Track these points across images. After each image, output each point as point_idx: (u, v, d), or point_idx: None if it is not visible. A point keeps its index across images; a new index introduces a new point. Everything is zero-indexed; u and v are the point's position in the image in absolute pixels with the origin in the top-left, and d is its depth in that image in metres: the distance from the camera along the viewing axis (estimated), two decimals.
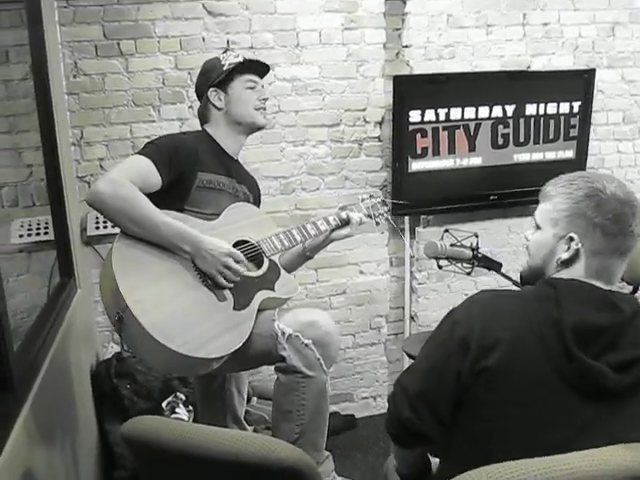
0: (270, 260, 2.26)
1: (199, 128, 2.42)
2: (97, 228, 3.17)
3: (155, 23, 3.15)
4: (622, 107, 3.97)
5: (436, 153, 3.49)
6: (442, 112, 3.45)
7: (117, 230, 3.06)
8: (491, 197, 3.65)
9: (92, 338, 3.18)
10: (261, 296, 2.17)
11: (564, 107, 3.67)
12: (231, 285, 2.07)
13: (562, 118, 3.68)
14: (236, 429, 2.48)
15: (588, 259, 1.43)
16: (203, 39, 3.21)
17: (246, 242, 2.22)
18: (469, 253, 2.27)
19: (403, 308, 3.80)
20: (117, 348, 3.21)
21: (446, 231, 2.38)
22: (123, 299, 1.82)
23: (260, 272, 2.21)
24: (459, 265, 2.31)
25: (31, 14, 2.59)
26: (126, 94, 3.17)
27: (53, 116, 2.71)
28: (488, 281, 3.78)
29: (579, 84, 3.69)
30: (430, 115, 3.43)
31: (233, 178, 2.34)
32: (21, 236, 2.90)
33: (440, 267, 2.34)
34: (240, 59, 2.32)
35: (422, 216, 3.62)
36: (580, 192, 1.44)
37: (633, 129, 4.02)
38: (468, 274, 2.29)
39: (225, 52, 2.38)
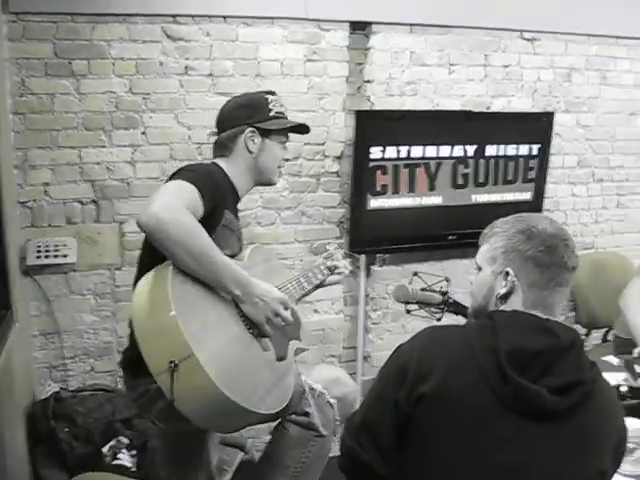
0: (292, 308, 2.10)
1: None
2: (38, 257, 2.97)
3: (111, 44, 3.00)
4: (577, 151, 4.02)
5: (395, 191, 3.43)
6: (403, 149, 3.39)
7: (62, 260, 3.00)
8: (450, 237, 3.60)
9: (28, 375, 2.96)
10: (293, 346, 2.06)
11: (523, 149, 3.68)
12: (273, 334, 1.92)
13: (521, 160, 3.69)
14: None
15: (525, 292, 1.47)
16: (161, 63, 3.08)
17: None
18: (439, 298, 2.17)
19: (356, 348, 3.68)
20: (55, 387, 3.01)
21: (415, 274, 2.28)
22: (188, 346, 1.61)
23: (291, 318, 2.04)
24: (428, 310, 2.21)
25: None
26: (76, 116, 3.00)
27: None
28: (444, 322, 3.71)
29: (538, 127, 3.72)
30: (391, 152, 3.37)
31: (238, 220, 2.18)
32: None
33: (408, 312, 2.23)
34: (284, 112, 2.21)
35: (378, 255, 3.54)
36: (513, 229, 1.50)
37: (587, 173, 4.07)
38: (438, 320, 2.19)
39: (271, 94, 2.24)
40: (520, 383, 1.33)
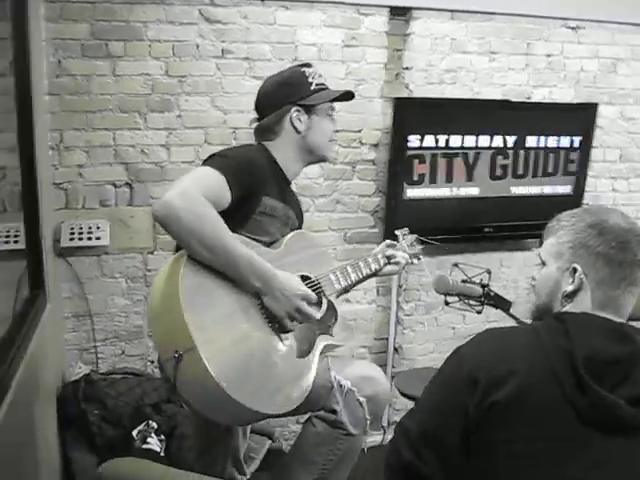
0: (328, 300, 2.05)
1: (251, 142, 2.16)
2: (72, 239, 2.97)
3: (147, 26, 2.96)
4: (620, 145, 3.90)
5: (433, 181, 3.37)
6: (442, 139, 3.33)
7: (95, 243, 2.99)
8: (485, 229, 3.52)
9: (59, 357, 2.96)
10: (322, 342, 1.98)
11: (565, 141, 3.59)
12: (295, 330, 1.87)
13: (562, 152, 3.60)
14: (235, 474, 2.24)
15: (593, 290, 1.39)
16: (197, 46, 3.04)
17: (307, 278, 1.98)
18: (479, 290, 2.12)
19: (387, 339, 3.63)
20: (86, 369, 3.00)
21: (455, 265, 2.23)
22: (191, 338, 1.58)
23: (320, 314, 1.97)
24: (467, 302, 2.15)
25: (16, 6, 2.41)
26: (111, 98, 2.98)
27: (33, 117, 2.51)
28: (476, 316, 3.63)
29: (581, 118, 3.62)
30: (429, 141, 3.31)
31: (287, 205, 2.08)
32: None
33: (447, 303, 2.18)
34: (324, 82, 2.13)
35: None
36: (582, 223, 1.42)
37: (629, 168, 3.95)
38: (478, 313, 2.14)
39: (307, 67, 2.16)
40: (600, 394, 1.25)
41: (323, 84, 2.12)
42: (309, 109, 2.07)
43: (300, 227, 2.21)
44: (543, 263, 1.51)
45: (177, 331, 1.60)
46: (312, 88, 2.08)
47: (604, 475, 1.25)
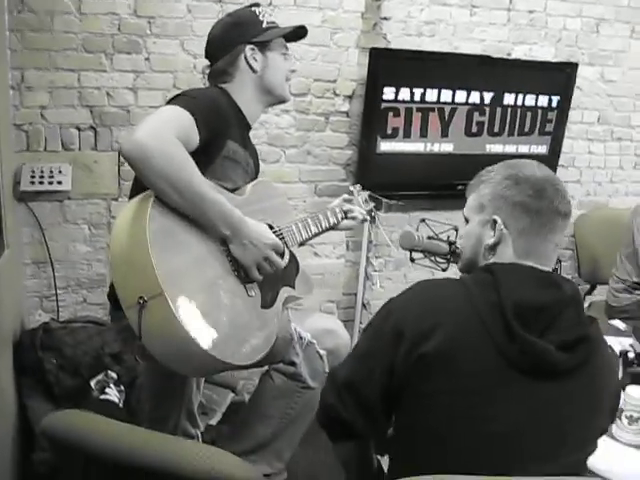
0: (290, 252, 2.00)
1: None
2: (32, 183, 2.86)
3: None
4: (598, 107, 3.85)
5: (407, 135, 3.30)
6: (418, 92, 3.25)
7: (57, 187, 2.89)
8: (459, 187, 3.46)
9: (18, 304, 2.88)
10: (284, 293, 1.94)
11: (542, 100, 3.52)
12: (261, 279, 1.81)
13: (539, 111, 3.54)
14: (189, 427, 2.20)
15: (515, 241, 1.40)
16: None
17: (270, 228, 1.92)
18: (446, 247, 2.06)
19: (356, 295, 3.60)
20: (45, 317, 2.94)
21: (422, 221, 2.17)
22: (158, 284, 1.50)
23: (283, 264, 1.91)
24: (434, 259, 2.11)
25: None
26: (76, 37, 2.85)
27: None
28: (446, 274, 3.63)
29: (560, 78, 3.55)
30: (405, 94, 3.22)
31: (247, 150, 2.02)
32: None
33: (413, 260, 2.13)
34: (274, 20, 2.06)
35: (384, 200, 3.43)
36: (499, 175, 1.44)
37: (606, 130, 3.90)
38: (444, 270, 2.09)
39: (257, 6, 2.08)
40: (528, 339, 1.26)
41: (274, 22, 2.07)
42: (263, 47, 2.02)
43: (256, 177, 2.15)
44: (466, 220, 1.52)
45: (143, 275, 1.53)
46: (264, 26, 2.03)
47: (536, 419, 1.28)
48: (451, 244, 2.10)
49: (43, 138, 2.90)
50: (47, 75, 2.85)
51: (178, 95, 1.84)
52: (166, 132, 1.59)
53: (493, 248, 1.43)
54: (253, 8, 2.06)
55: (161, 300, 1.50)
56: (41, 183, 2.87)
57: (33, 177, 2.87)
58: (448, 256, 2.09)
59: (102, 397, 2.64)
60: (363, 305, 3.61)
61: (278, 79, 2.05)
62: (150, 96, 2.99)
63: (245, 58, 2.00)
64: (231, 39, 2.01)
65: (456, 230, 2.13)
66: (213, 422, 2.94)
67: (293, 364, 1.97)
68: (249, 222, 1.75)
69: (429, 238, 2.08)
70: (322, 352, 1.99)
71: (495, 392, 1.27)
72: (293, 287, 2.01)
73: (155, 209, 1.60)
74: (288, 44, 2.12)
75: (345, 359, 1.50)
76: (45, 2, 2.78)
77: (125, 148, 1.57)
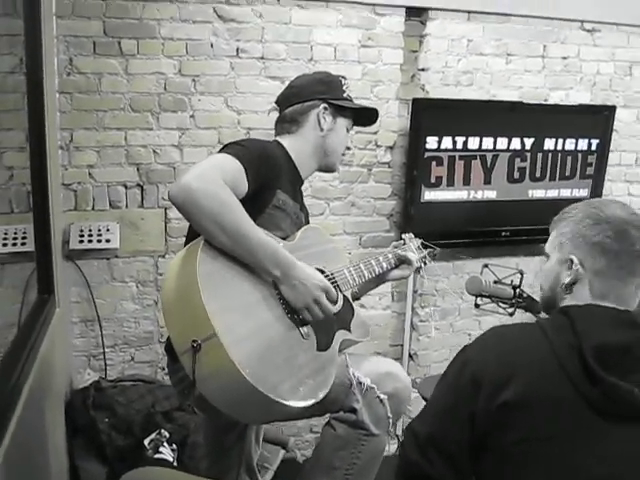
0: (344, 296, 1.98)
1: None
2: (81, 242, 2.88)
3: (161, 23, 2.90)
4: (636, 148, 3.85)
5: (450, 183, 3.31)
6: (460, 140, 3.27)
7: (104, 245, 2.91)
8: (503, 233, 3.46)
9: (68, 363, 2.87)
10: (340, 336, 1.91)
11: (582, 144, 3.54)
12: (314, 321, 1.78)
13: (579, 155, 3.55)
14: None
15: (591, 281, 1.38)
16: (211, 45, 2.97)
17: (321, 272, 1.90)
18: (511, 292, 2.05)
19: (402, 346, 3.56)
20: (94, 376, 2.91)
21: (485, 266, 2.16)
22: (211, 325, 1.48)
23: (337, 308, 1.90)
24: (500, 304, 2.08)
25: (28, 3, 2.34)
26: (123, 97, 2.90)
27: (44, 116, 2.44)
28: (493, 321, 3.57)
29: (599, 121, 3.56)
30: (447, 143, 3.25)
31: (297, 203, 2.03)
32: None
33: (477, 306, 2.12)
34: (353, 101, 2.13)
35: (429, 249, 3.41)
36: (581, 214, 1.41)
37: None
38: (511, 315, 2.07)
39: (343, 78, 2.14)
40: (611, 382, 1.22)
41: (351, 97, 2.12)
42: (336, 111, 2.06)
43: None
44: (547, 256, 1.49)
45: (195, 318, 1.51)
46: (344, 95, 2.08)
47: (622, 463, 1.22)
48: (515, 288, 2.08)
49: (91, 197, 2.93)
50: (95, 135, 2.90)
51: (230, 143, 1.85)
52: (212, 175, 1.61)
53: (569, 287, 1.40)
54: (340, 78, 2.13)
55: (215, 342, 1.48)
56: (89, 241, 2.89)
57: (82, 236, 2.89)
58: (513, 300, 2.07)
59: (156, 456, 2.59)
60: (410, 356, 3.56)
61: (337, 146, 2.09)
62: (195, 153, 3.02)
63: (317, 114, 2.03)
64: (312, 91, 2.05)
65: (521, 274, 2.11)
66: (265, 479, 2.88)
67: (354, 411, 1.90)
68: (299, 264, 1.74)
69: (495, 283, 2.06)
70: (383, 396, 1.92)
71: (579, 436, 1.24)
72: (349, 330, 1.98)
73: (205, 252, 1.60)
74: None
75: (423, 412, 1.46)
76: (93, 64, 2.85)
77: (172, 192, 1.58)
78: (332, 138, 2.06)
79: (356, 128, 3.01)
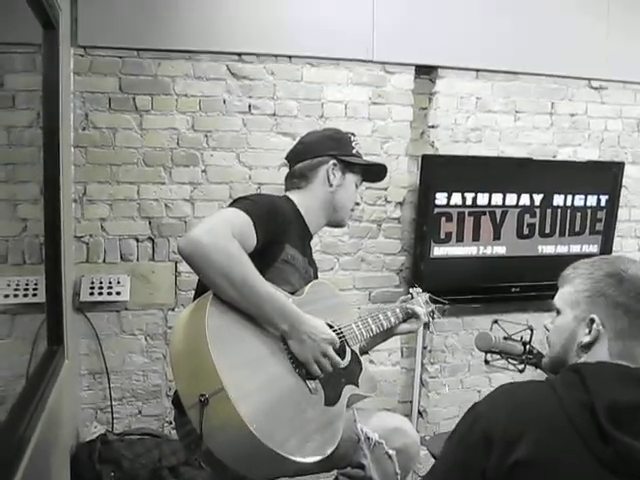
0: (352, 351, 1.97)
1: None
2: (91, 294, 2.90)
3: (175, 80, 2.97)
4: None
5: (460, 239, 3.32)
6: (469, 196, 3.29)
7: (115, 298, 2.92)
8: (513, 289, 3.45)
9: (74, 416, 2.85)
10: (348, 391, 1.89)
11: (591, 200, 3.55)
12: (322, 375, 1.78)
13: (589, 211, 3.56)
14: None
15: (611, 341, 1.34)
16: (224, 101, 3.04)
17: (330, 327, 1.89)
18: (521, 348, 2.04)
19: (411, 402, 3.52)
20: (101, 429, 2.89)
21: (495, 322, 2.15)
22: (219, 380, 1.48)
23: (345, 362, 1.90)
24: (510, 361, 2.07)
25: (48, 61, 2.41)
26: (137, 152, 2.96)
27: (59, 169, 2.48)
28: (503, 378, 3.54)
29: (608, 177, 3.59)
30: (457, 199, 3.28)
31: (306, 258, 2.04)
32: (6, 296, 2.62)
33: (487, 362, 2.10)
34: (362, 157, 2.15)
35: (438, 305, 3.40)
36: (601, 272, 1.37)
37: None
38: (521, 372, 2.05)
39: (352, 135, 2.17)
40: (623, 441, 1.18)
41: (360, 154, 2.14)
42: (345, 167, 2.08)
43: None
44: (558, 312, 1.45)
45: (203, 372, 1.51)
46: (353, 152, 2.10)
47: None
48: (525, 344, 2.07)
49: (102, 249, 2.96)
50: (108, 188, 2.95)
51: (239, 198, 1.87)
52: (221, 229, 1.62)
53: (588, 347, 1.36)
54: (349, 134, 2.15)
55: (222, 396, 1.48)
56: (100, 294, 2.90)
57: (92, 288, 2.91)
58: (523, 357, 2.06)
59: None
60: (419, 413, 3.52)
61: (346, 202, 2.10)
62: (207, 207, 3.06)
63: (327, 170, 2.05)
64: (322, 147, 2.07)
65: (531, 330, 2.10)
66: None
67: (362, 467, 1.87)
68: (306, 317, 1.74)
69: (504, 339, 2.05)
70: (391, 452, 1.89)
71: None
72: (357, 385, 1.96)
73: (214, 306, 1.61)
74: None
75: (433, 469, 1.42)
76: (108, 119, 2.91)
77: (181, 244, 1.59)
78: (341, 194, 2.07)
79: (366, 184, 3.05)
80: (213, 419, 1.50)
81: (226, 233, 1.61)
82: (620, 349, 1.33)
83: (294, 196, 2.07)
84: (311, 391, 1.75)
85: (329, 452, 1.68)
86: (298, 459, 1.56)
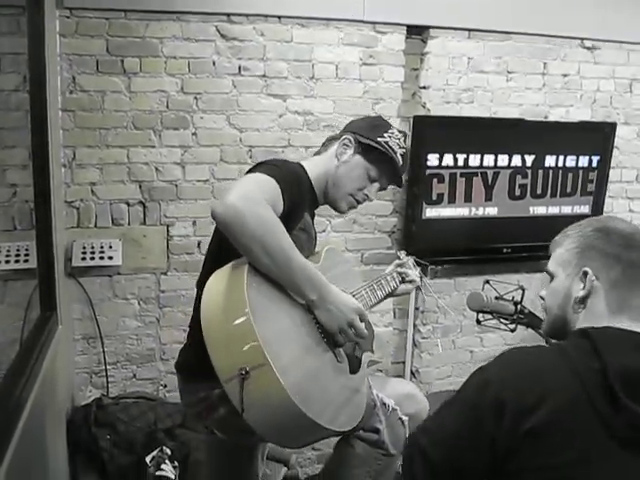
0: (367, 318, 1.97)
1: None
2: (83, 259, 2.88)
3: (163, 42, 2.92)
4: (636, 165, 3.86)
5: (452, 200, 3.31)
6: (461, 158, 3.28)
7: (107, 262, 2.91)
8: (504, 250, 3.46)
9: (69, 380, 2.87)
10: (366, 358, 1.92)
11: (583, 160, 3.55)
12: (346, 345, 1.79)
13: (580, 172, 3.56)
14: None
15: (607, 293, 1.33)
16: (213, 63, 2.99)
17: None
18: (512, 308, 2.05)
19: (404, 363, 3.55)
20: (96, 393, 2.91)
21: (487, 282, 2.16)
22: (262, 353, 1.46)
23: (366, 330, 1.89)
24: (502, 321, 2.08)
25: (33, 23, 2.36)
26: (126, 115, 2.92)
27: (47, 133, 2.45)
28: (495, 338, 3.59)
29: (599, 138, 3.58)
30: (448, 160, 3.26)
31: (312, 227, 2.02)
32: None
33: (479, 322, 2.12)
34: (397, 156, 2.00)
35: (430, 266, 3.41)
36: (589, 228, 1.40)
37: None
38: (512, 331, 2.07)
39: (400, 132, 2.05)
40: (635, 410, 1.17)
41: (392, 149, 1.99)
42: (359, 148, 1.99)
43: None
44: (551, 276, 1.45)
45: (244, 345, 1.49)
46: (378, 139, 1.99)
47: None
48: (516, 304, 2.08)
49: (93, 214, 2.94)
50: (97, 152, 2.91)
51: (262, 163, 1.84)
52: (257, 196, 1.58)
53: (583, 301, 1.36)
54: (393, 128, 2.05)
55: (266, 370, 1.46)
56: (92, 259, 2.89)
57: (84, 253, 2.89)
58: (514, 316, 2.07)
59: (158, 473, 2.58)
60: (412, 373, 3.55)
61: (345, 181, 2.01)
62: (198, 170, 3.04)
63: (339, 142, 2.01)
64: (354, 125, 2.06)
65: (522, 290, 2.11)
66: None
67: (376, 431, 1.91)
68: (333, 287, 1.73)
69: (496, 299, 2.07)
70: (405, 418, 1.93)
71: (602, 465, 1.18)
72: (372, 352, 1.99)
73: (252, 276, 1.58)
74: None
75: (435, 432, 1.36)
76: (96, 82, 2.86)
77: (218, 211, 1.54)
78: (343, 171, 1.99)
79: None
80: (254, 392, 1.48)
81: (261, 200, 1.58)
82: (617, 301, 1.33)
83: (306, 163, 2.03)
84: (338, 360, 1.76)
85: (359, 420, 1.72)
86: (336, 428, 1.59)
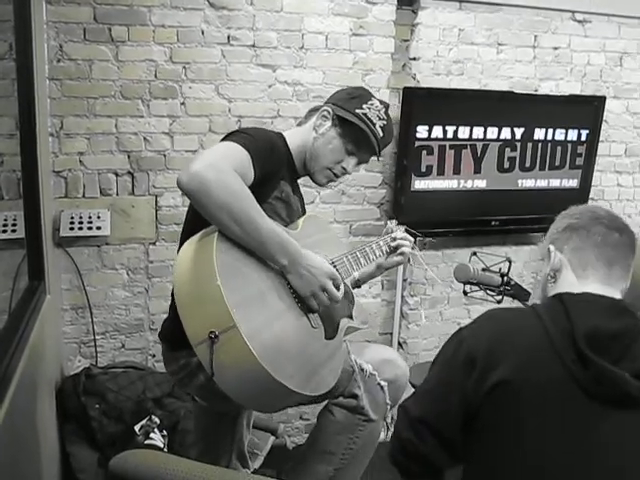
0: (345, 283, 1.98)
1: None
2: (71, 229, 2.88)
3: (152, 10, 2.88)
4: (625, 139, 3.87)
5: (440, 172, 3.31)
6: (450, 130, 3.28)
7: (95, 232, 2.91)
8: (492, 222, 3.48)
9: (58, 350, 2.87)
10: (344, 324, 1.93)
11: (572, 134, 3.55)
12: (321, 310, 1.80)
13: (569, 145, 3.56)
14: (239, 467, 2.18)
15: (571, 261, 1.43)
16: (202, 32, 2.96)
17: None
18: (498, 279, 2.08)
19: (391, 334, 3.58)
20: (85, 363, 2.92)
21: (474, 254, 2.18)
22: (230, 316, 1.48)
23: (340, 295, 1.89)
24: (488, 292, 2.11)
25: None
26: (114, 84, 2.89)
27: (35, 102, 2.43)
28: (482, 310, 3.59)
29: (589, 111, 3.58)
30: (437, 132, 3.26)
31: (296, 195, 2.03)
32: None
33: (466, 293, 2.14)
34: (375, 124, 1.97)
35: (418, 238, 3.41)
36: (559, 217, 1.50)
37: (634, 162, 3.92)
38: (498, 302, 2.09)
39: (381, 103, 2.02)
40: (602, 366, 1.23)
41: (371, 121, 1.97)
42: (337, 121, 1.98)
43: None
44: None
45: (213, 309, 1.51)
46: (356, 111, 1.97)
47: (612, 449, 1.24)
48: (503, 276, 2.11)
49: (81, 184, 2.93)
50: (85, 122, 2.89)
51: (236, 131, 1.84)
52: (223, 164, 1.59)
53: (554, 275, 1.45)
54: (374, 99, 2.02)
55: (234, 333, 1.48)
56: (80, 229, 2.89)
57: (72, 223, 2.89)
58: (501, 288, 2.10)
59: (147, 442, 2.61)
60: (399, 344, 3.59)
61: (323, 154, 1.99)
62: (186, 140, 3.02)
63: (318, 114, 2.00)
64: (335, 97, 2.04)
65: (509, 261, 2.13)
66: (255, 466, 2.89)
67: (355, 397, 1.93)
68: (305, 252, 1.74)
69: (483, 270, 2.09)
70: (383, 383, 1.95)
71: (571, 420, 1.25)
72: (352, 318, 2.00)
73: (220, 242, 1.60)
74: None
75: (417, 391, 1.46)
76: (83, 51, 2.83)
77: (184, 180, 1.56)
78: (320, 144, 1.98)
79: None
80: (223, 356, 1.50)
81: (229, 168, 1.59)
82: (582, 266, 1.41)
83: (287, 133, 2.03)
84: (313, 325, 1.78)
85: (333, 385, 1.73)
86: (307, 393, 1.60)
